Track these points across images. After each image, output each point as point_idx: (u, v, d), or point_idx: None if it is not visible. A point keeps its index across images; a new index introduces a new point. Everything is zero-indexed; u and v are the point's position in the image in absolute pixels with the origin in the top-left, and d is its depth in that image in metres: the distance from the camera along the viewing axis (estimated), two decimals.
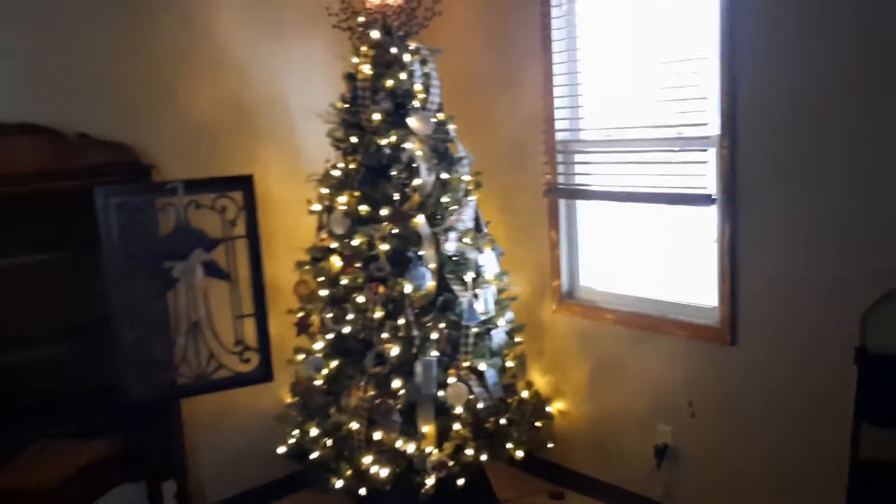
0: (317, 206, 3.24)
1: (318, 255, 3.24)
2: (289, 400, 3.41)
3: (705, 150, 2.94)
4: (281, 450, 3.31)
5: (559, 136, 3.44)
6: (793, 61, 2.67)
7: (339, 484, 3.02)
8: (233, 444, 3.55)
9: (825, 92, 2.60)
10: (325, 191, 3.21)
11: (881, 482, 2.57)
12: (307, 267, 3.28)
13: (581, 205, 3.51)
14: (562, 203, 3.52)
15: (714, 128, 2.90)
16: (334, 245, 3.15)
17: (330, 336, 3.18)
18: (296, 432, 3.29)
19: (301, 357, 3.28)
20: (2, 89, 2.82)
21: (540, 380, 3.64)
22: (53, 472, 2.77)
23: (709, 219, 3.00)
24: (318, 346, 3.19)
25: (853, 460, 2.60)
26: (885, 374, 2.53)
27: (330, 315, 3.14)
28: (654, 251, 3.31)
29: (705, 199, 2.95)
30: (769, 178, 2.79)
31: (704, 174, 2.96)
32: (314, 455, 3.15)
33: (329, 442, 3.13)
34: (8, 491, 2.60)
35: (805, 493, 2.82)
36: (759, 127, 2.78)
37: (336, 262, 3.15)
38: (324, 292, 3.16)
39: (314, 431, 3.17)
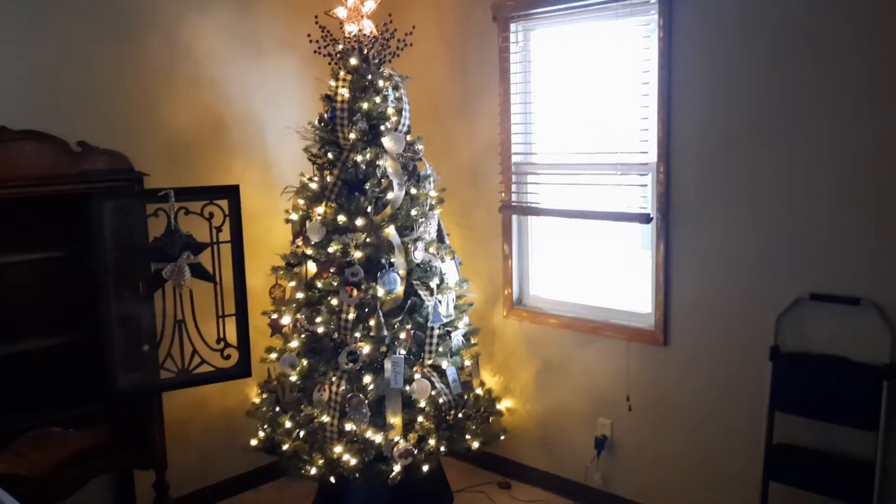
0: (294, 216, 3.49)
1: (294, 261, 3.50)
2: (256, 397, 3.64)
3: (645, 175, 3.35)
4: (253, 442, 3.52)
5: (514, 158, 3.82)
6: (719, 100, 3.11)
7: (312, 471, 3.25)
8: (203, 438, 3.76)
9: (746, 126, 3.04)
10: (301, 202, 3.47)
11: (791, 462, 3.00)
12: (282, 272, 3.52)
13: (532, 220, 3.89)
14: (514, 219, 3.89)
15: (652, 155, 3.32)
16: (309, 252, 3.41)
17: (303, 336, 3.43)
18: (267, 426, 3.51)
19: (273, 356, 3.51)
20: (7, 98, 3.00)
21: (490, 380, 3.97)
22: (45, 458, 2.93)
23: (646, 235, 3.42)
24: (293, 344, 3.43)
25: (768, 443, 3.02)
26: (794, 369, 2.97)
27: (304, 316, 3.40)
28: (596, 263, 3.71)
29: (644, 218, 3.36)
30: (698, 200, 3.22)
31: (644, 196, 3.37)
32: (286, 446, 3.38)
33: (301, 434, 3.36)
34: (3, 476, 2.74)
35: (726, 474, 3.24)
36: (690, 156, 3.21)
37: (311, 267, 3.41)
38: (299, 295, 3.41)
39: (287, 424, 3.39)
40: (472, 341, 3.67)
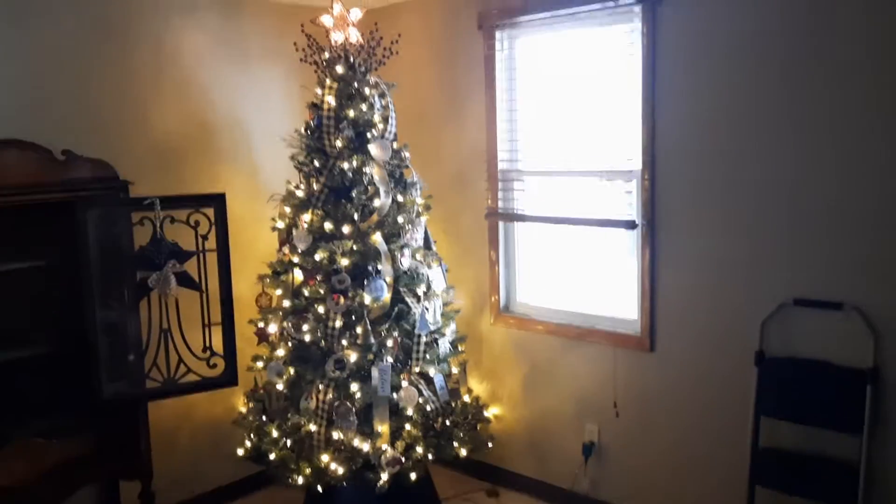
0: (280, 224, 3.49)
1: (280, 269, 3.49)
2: (243, 406, 3.63)
3: (630, 182, 3.37)
4: (240, 452, 3.50)
5: (500, 165, 3.84)
6: (702, 108, 3.13)
7: (300, 480, 3.24)
8: (190, 448, 3.74)
9: (730, 134, 3.07)
10: (287, 209, 3.47)
11: (777, 466, 3.01)
12: (268, 280, 3.51)
13: (518, 227, 3.90)
14: (501, 225, 3.90)
15: (637, 162, 3.33)
16: (296, 259, 3.40)
17: (290, 344, 3.42)
18: (253, 435, 3.50)
19: (260, 365, 3.50)
20: None
21: (478, 387, 3.97)
22: (29, 469, 2.90)
23: (632, 241, 3.44)
24: (280, 353, 3.41)
25: (754, 448, 3.04)
26: (779, 374, 2.99)
27: (291, 324, 3.39)
28: (583, 269, 3.72)
29: (629, 224, 3.38)
30: (683, 206, 3.24)
31: (629, 202, 3.39)
32: (273, 455, 3.36)
33: (289, 442, 3.35)
34: None
35: (713, 478, 3.25)
36: (675, 162, 3.23)
37: (298, 275, 3.41)
38: (286, 303, 3.40)
39: (275, 433, 3.38)
40: (460, 348, 3.67)
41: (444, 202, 3.96)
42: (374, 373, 3.25)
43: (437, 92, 4.07)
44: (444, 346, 3.54)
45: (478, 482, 4.03)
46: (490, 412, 3.82)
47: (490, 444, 3.68)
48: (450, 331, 3.59)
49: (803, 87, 2.87)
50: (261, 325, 3.52)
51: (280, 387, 3.41)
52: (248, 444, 3.50)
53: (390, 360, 3.30)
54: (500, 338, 3.97)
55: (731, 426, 3.14)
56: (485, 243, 3.95)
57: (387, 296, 3.32)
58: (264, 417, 3.50)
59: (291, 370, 3.39)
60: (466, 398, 3.66)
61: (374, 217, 3.33)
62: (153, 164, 3.50)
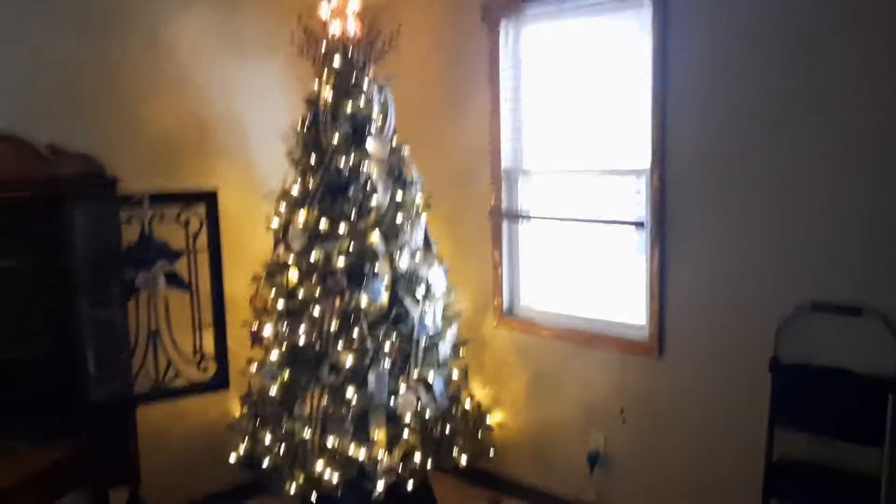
0: (275, 223, 3.37)
1: (275, 269, 3.37)
2: (237, 411, 3.51)
3: (639, 180, 3.24)
4: (232, 458, 3.39)
5: (504, 162, 3.71)
6: (715, 103, 2.99)
7: (292, 489, 3.12)
8: (182, 453, 3.62)
9: (743, 131, 2.93)
10: (282, 207, 3.35)
11: (792, 478, 2.87)
12: (263, 281, 3.40)
13: (522, 227, 3.77)
14: (504, 225, 3.77)
15: (647, 159, 3.20)
16: (291, 259, 3.28)
17: (284, 347, 3.30)
18: (247, 441, 3.38)
19: (254, 367, 3.38)
20: None
21: (480, 392, 3.84)
22: (11, 475, 2.79)
23: (640, 242, 3.30)
24: (274, 356, 3.30)
25: (768, 460, 2.89)
26: (795, 381, 2.84)
27: (286, 326, 3.27)
28: (590, 273, 3.59)
29: (638, 224, 3.24)
30: (694, 206, 3.10)
31: (638, 202, 3.25)
32: (267, 462, 3.25)
33: (282, 449, 3.23)
34: None
35: (725, 490, 3.10)
36: (686, 160, 3.10)
37: (293, 276, 3.29)
38: (280, 305, 3.29)
39: (268, 439, 3.26)
40: (461, 352, 3.54)
41: (446, 201, 3.83)
42: (371, 377, 3.14)
43: (438, 86, 3.95)
44: (444, 349, 3.41)
45: (479, 491, 3.90)
46: (492, 419, 3.70)
47: (492, 452, 3.56)
48: (450, 334, 3.46)
49: (823, 82, 2.72)
50: (255, 327, 3.40)
51: (273, 391, 3.29)
52: (241, 449, 3.40)
53: (388, 364, 3.18)
54: (503, 342, 3.84)
55: (744, 436, 3.00)
56: (488, 244, 3.82)
57: (384, 298, 3.20)
58: (259, 422, 3.39)
59: (286, 374, 3.28)
60: (467, 404, 3.54)
61: (372, 216, 3.21)
62: (143, 160, 3.38)
